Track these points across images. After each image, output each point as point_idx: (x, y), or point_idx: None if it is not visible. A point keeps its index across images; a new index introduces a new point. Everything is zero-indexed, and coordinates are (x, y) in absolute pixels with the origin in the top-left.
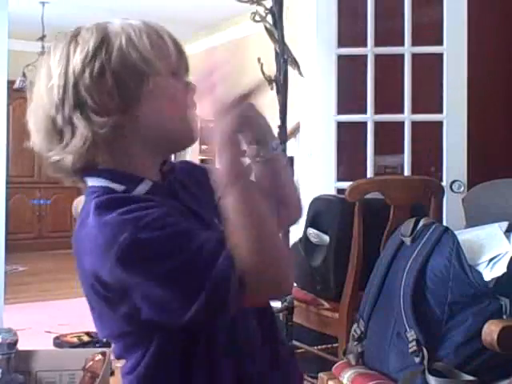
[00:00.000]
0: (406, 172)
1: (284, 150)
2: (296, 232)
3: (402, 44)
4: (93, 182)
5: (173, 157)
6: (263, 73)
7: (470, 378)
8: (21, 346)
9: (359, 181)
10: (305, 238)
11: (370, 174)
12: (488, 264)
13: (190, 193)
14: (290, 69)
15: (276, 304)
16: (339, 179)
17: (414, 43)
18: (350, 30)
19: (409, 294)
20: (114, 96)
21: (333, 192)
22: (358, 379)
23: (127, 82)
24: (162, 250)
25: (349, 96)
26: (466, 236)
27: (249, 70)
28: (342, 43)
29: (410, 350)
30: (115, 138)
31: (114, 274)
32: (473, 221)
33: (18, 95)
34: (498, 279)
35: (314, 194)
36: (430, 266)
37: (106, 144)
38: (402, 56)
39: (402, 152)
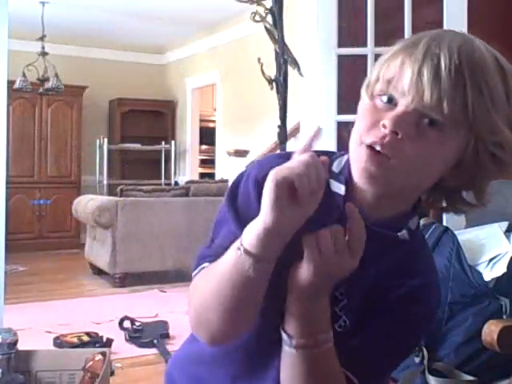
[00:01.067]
0: None
1: (284, 150)
2: None
3: None
4: None
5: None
6: (263, 73)
7: (470, 378)
8: (21, 346)
9: None
10: None
11: None
12: (488, 264)
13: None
14: (289, 69)
15: None
16: None
17: None
18: (349, 30)
19: None
20: None
21: None
22: None
23: None
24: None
25: (349, 96)
26: (466, 236)
27: (249, 70)
28: (341, 43)
29: None
30: None
31: None
32: (473, 221)
33: (18, 95)
34: (497, 279)
35: None
36: None
37: None
38: None
39: None
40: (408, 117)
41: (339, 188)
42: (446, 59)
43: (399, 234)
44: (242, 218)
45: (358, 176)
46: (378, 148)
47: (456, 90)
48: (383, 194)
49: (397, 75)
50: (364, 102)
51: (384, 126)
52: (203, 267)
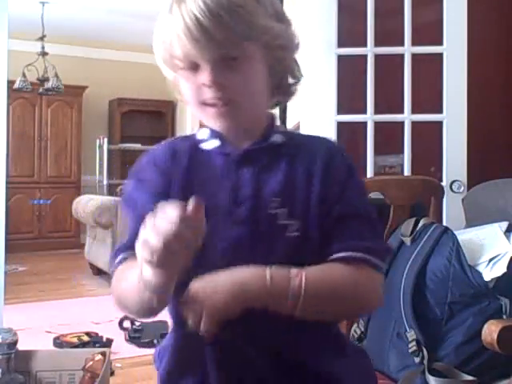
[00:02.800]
0: (406, 172)
1: None
2: None
3: (402, 44)
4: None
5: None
6: None
7: (470, 378)
8: (21, 346)
9: None
10: None
11: (369, 173)
12: (488, 264)
13: (253, 175)
14: None
15: None
16: None
17: (414, 43)
18: (349, 29)
19: (409, 294)
20: None
21: None
22: None
23: None
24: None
25: (349, 96)
26: (466, 236)
27: None
28: (341, 43)
29: (410, 350)
30: None
31: None
32: (473, 221)
33: (17, 95)
34: (497, 279)
35: None
36: (430, 266)
37: None
38: (401, 56)
39: (402, 152)
40: (215, 67)
41: (212, 144)
42: (200, 9)
43: (271, 139)
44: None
45: (221, 128)
46: (216, 102)
47: (219, 23)
48: (242, 123)
49: (181, 47)
50: (176, 77)
51: (208, 86)
52: (122, 259)
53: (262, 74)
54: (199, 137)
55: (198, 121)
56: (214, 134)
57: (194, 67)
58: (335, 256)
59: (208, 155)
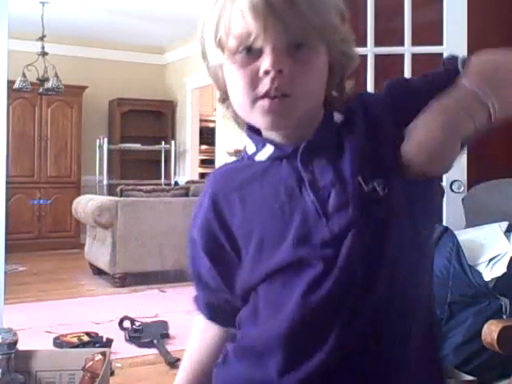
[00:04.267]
0: None
1: None
2: None
3: (402, 44)
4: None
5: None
6: None
7: (470, 378)
8: (21, 346)
9: None
10: None
11: None
12: (488, 264)
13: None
14: None
15: None
16: None
17: (414, 43)
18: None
19: None
20: None
21: None
22: None
23: None
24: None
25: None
26: (466, 236)
27: None
28: None
29: None
30: None
31: None
32: (473, 221)
33: (17, 95)
34: (498, 279)
35: None
36: None
37: None
38: (401, 56)
39: None
40: (278, 53)
41: (266, 151)
42: None
43: (335, 119)
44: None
45: (271, 126)
46: (273, 94)
47: (291, 7)
48: (292, 122)
49: (243, 25)
50: (225, 65)
51: (266, 72)
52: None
53: (324, 73)
54: (250, 151)
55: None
56: (263, 141)
57: (252, 51)
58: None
59: (268, 166)
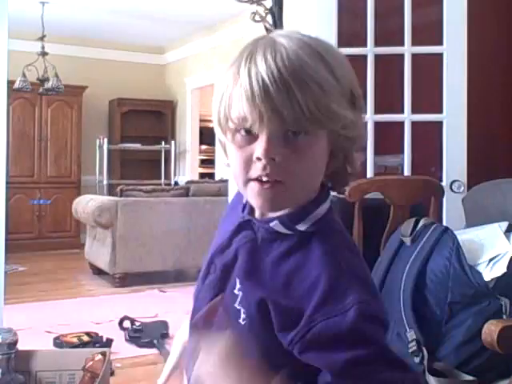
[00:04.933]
0: (406, 172)
1: None
2: None
3: (402, 44)
4: None
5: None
6: None
7: (470, 377)
8: (21, 346)
9: (359, 181)
10: None
11: (370, 173)
12: (488, 264)
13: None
14: None
15: None
16: None
17: (414, 43)
18: (349, 29)
19: (409, 294)
20: None
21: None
22: None
23: None
24: None
25: None
26: (466, 236)
27: None
28: (341, 43)
29: (410, 350)
30: None
31: None
32: (473, 221)
33: (18, 95)
34: (498, 279)
35: None
36: (430, 266)
37: None
38: (401, 56)
39: (402, 152)
40: (272, 141)
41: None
42: (267, 75)
43: (271, 224)
44: None
45: (260, 208)
46: (265, 179)
47: (288, 97)
48: (281, 208)
49: (240, 110)
50: (226, 140)
51: (259, 159)
52: None
53: (322, 159)
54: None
55: None
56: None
57: (249, 135)
58: None
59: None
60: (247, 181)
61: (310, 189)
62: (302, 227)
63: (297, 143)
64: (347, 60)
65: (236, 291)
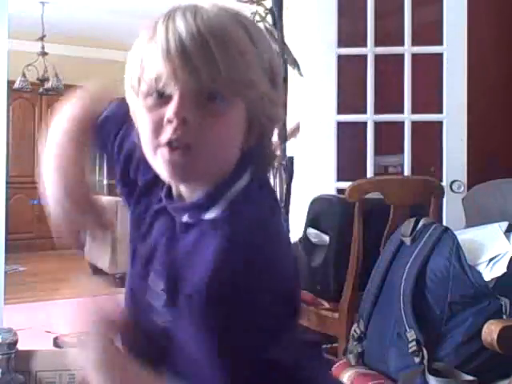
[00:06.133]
0: (406, 172)
1: (284, 150)
2: (296, 232)
3: (402, 44)
4: None
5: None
6: None
7: (470, 377)
8: (21, 346)
9: (359, 181)
10: (305, 238)
11: (370, 173)
12: (488, 264)
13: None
14: (289, 69)
15: None
16: (339, 179)
17: (414, 43)
18: (350, 29)
19: (409, 294)
20: None
21: (333, 192)
22: (358, 379)
23: None
24: None
25: (349, 96)
26: (466, 236)
27: None
28: (342, 43)
29: (410, 350)
30: None
31: None
32: (473, 221)
33: (17, 95)
34: (498, 279)
35: (313, 194)
36: (430, 266)
37: None
38: (402, 56)
39: (402, 152)
40: (185, 101)
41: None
42: (186, 32)
43: (183, 219)
44: None
45: (170, 178)
46: (175, 144)
47: (205, 55)
48: (192, 178)
49: (153, 69)
50: (135, 106)
51: (170, 121)
52: None
53: (237, 130)
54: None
55: None
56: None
57: (162, 98)
58: None
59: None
60: (156, 147)
61: (222, 160)
62: (211, 214)
63: (212, 107)
64: (268, 38)
65: (159, 291)
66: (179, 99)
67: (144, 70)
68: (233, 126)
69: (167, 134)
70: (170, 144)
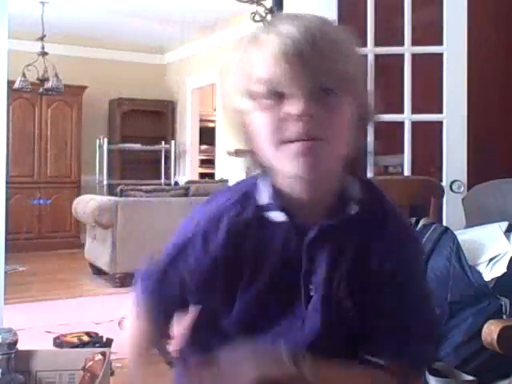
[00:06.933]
0: (406, 172)
1: None
2: None
3: (402, 44)
4: None
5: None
6: None
7: (470, 377)
8: (21, 346)
9: None
10: None
11: (370, 173)
12: (488, 264)
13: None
14: None
15: None
16: None
17: (414, 43)
18: (349, 29)
19: None
20: None
21: None
22: None
23: None
24: None
25: None
26: (466, 236)
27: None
28: None
29: None
30: None
31: None
32: (473, 221)
33: (17, 95)
34: (498, 279)
35: None
36: (430, 265)
37: None
38: (401, 56)
39: (402, 152)
40: (307, 98)
41: (278, 216)
42: (300, 35)
43: (347, 210)
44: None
45: (299, 170)
46: (305, 137)
47: (320, 54)
48: (318, 183)
49: (267, 72)
50: (252, 112)
51: (296, 118)
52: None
53: (351, 120)
54: (260, 201)
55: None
56: (277, 203)
57: (278, 97)
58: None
59: (274, 228)
60: (280, 143)
61: (340, 155)
62: (354, 209)
63: (329, 101)
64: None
65: (345, 302)
66: (303, 97)
67: (258, 75)
68: (348, 117)
69: (294, 130)
70: (300, 138)
